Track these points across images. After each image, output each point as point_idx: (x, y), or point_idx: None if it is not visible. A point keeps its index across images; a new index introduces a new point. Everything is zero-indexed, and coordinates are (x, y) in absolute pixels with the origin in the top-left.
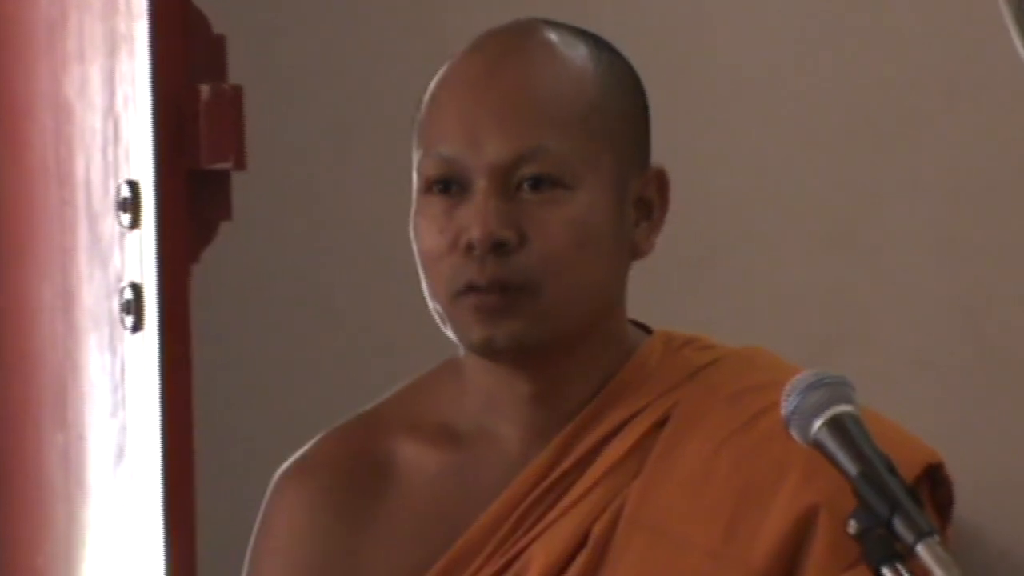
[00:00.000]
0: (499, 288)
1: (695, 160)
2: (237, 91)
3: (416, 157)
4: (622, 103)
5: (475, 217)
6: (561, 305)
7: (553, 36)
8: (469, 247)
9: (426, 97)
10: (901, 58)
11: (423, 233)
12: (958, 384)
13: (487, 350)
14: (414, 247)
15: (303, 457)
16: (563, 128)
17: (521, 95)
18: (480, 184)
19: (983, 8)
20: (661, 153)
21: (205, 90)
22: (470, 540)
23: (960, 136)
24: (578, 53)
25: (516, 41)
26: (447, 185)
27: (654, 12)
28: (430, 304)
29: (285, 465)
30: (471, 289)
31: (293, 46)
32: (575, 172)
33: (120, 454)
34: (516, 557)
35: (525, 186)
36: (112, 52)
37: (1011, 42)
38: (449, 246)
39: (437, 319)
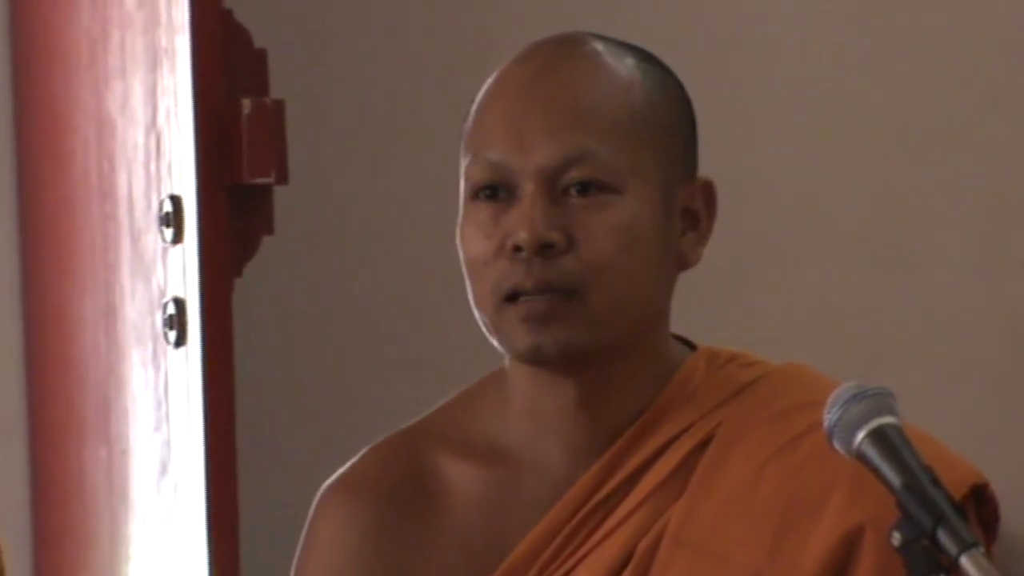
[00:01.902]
0: (546, 291)
1: (731, 171)
2: (279, 105)
3: (463, 164)
4: (669, 113)
5: (522, 220)
6: (608, 311)
7: (601, 47)
8: (516, 249)
9: (474, 105)
10: (940, 64)
11: (469, 240)
12: (999, 393)
13: (535, 358)
14: (460, 255)
15: (347, 473)
16: (610, 133)
17: (568, 100)
18: (527, 188)
19: (1023, 12)
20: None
21: (247, 104)
22: (516, 560)
23: (1000, 142)
24: (626, 64)
25: (564, 50)
26: (494, 191)
27: (687, 23)
28: (476, 313)
29: (329, 481)
30: (518, 294)
31: (335, 60)
32: (622, 176)
33: (163, 469)
34: None
35: (573, 191)
36: (153, 66)
37: None
38: (495, 251)
39: (483, 328)
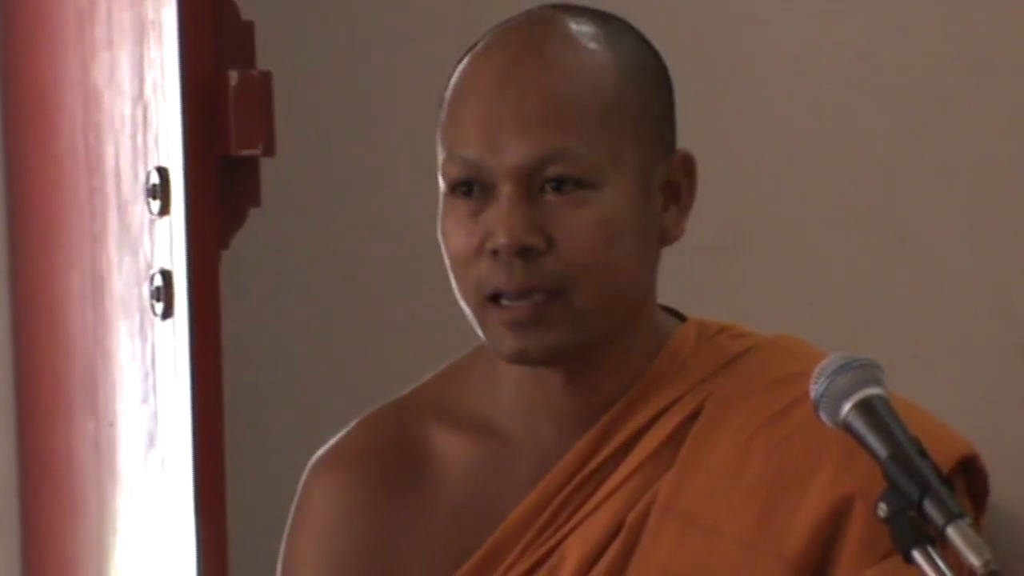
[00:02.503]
0: (528, 295)
1: (722, 145)
2: (266, 77)
3: (439, 158)
4: (644, 91)
5: (500, 222)
6: (593, 308)
7: (572, 27)
8: (495, 252)
9: (447, 96)
10: (931, 38)
11: (450, 235)
12: (990, 368)
13: (521, 360)
14: (442, 247)
15: (336, 445)
16: (584, 126)
17: (540, 96)
18: (503, 187)
19: None
20: (687, 138)
21: (234, 76)
22: (506, 532)
23: (991, 117)
24: (598, 44)
25: (533, 36)
26: (470, 187)
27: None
28: (461, 304)
29: (319, 454)
30: (499, 296)
31: (322, 32)
32: (598, 170)
33: (151, 441)
34: (553, 549)
35: (548, 187)
36: (141, 39)
37: None
38: (475, 249)
39: (468, 318)
